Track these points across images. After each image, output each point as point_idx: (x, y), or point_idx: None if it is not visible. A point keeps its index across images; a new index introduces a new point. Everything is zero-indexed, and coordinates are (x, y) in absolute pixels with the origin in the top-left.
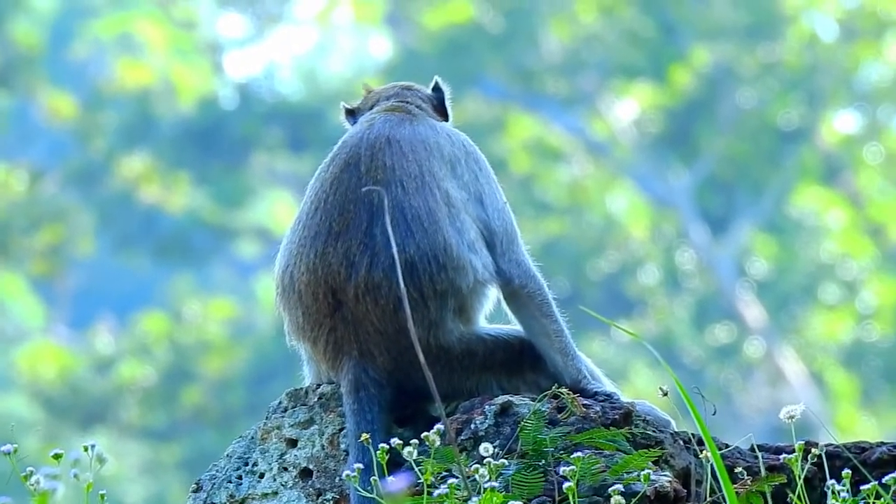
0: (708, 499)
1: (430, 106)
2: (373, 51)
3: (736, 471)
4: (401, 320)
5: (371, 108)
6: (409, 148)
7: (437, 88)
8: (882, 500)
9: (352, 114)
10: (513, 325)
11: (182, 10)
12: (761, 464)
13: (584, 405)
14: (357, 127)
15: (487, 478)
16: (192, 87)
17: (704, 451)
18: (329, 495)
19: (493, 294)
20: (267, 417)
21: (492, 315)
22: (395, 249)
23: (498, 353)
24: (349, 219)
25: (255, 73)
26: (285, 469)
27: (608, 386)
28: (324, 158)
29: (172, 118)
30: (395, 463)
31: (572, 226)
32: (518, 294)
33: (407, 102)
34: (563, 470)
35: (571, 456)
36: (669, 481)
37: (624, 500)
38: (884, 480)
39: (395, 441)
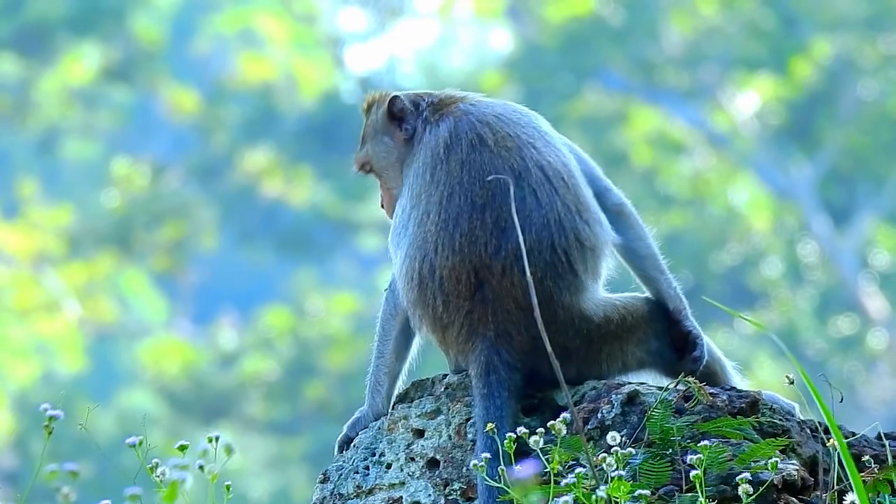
0: (835, 487)
1: None
2: (494, 44)
3: (863, 459)
4: (546, 289)
5: (416, 109)
6: (515, 116)
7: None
8: None
9: (397, 117)
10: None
11: (303, 5)
12: (888, 452)
13: (710, 394)
14: (449, 119)
15: (615, 467)
16: (314, 81)
17: (831, 440)
18: (456, 485)
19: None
20: (393, 408)
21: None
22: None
23: (628, 318)
24: (492, 189)
25: (376, 67)
26: (412, 459)
27: (731, 372)
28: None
29: (294, 112)
30: (522, 452)
31: (695, 218)
32: (626, 214)
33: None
34: (690, 459)
35: (698, 444)
36: (797, 470)
37: (751, 489)
38: None
39: (522, 430)
